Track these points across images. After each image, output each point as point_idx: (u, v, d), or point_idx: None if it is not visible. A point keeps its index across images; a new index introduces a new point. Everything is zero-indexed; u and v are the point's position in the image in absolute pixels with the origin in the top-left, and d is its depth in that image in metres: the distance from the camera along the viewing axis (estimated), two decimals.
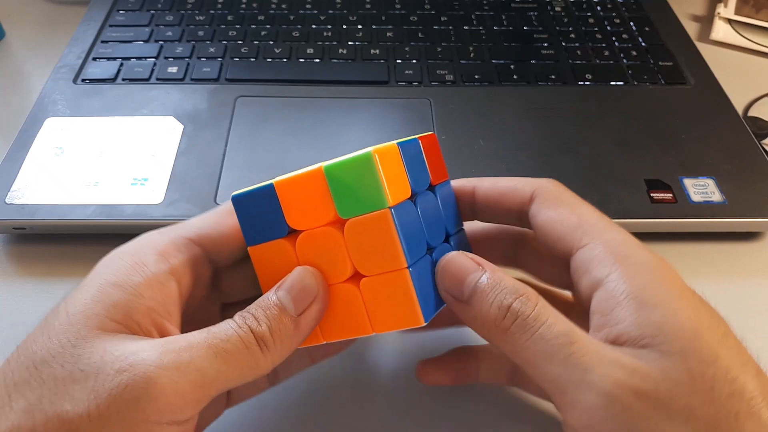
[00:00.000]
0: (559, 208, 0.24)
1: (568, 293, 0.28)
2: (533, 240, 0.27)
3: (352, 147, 0.40)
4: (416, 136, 0.25)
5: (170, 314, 0.23)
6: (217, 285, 0.26)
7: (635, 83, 0.47)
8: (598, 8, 0.55)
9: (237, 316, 0.22)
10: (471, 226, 0.28)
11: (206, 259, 0.25)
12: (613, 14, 0.54)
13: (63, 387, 0.19)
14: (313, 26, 0.52)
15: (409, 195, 0.23)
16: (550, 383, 0.21)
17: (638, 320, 0.21)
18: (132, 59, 0.47)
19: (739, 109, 0.47)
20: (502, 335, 0.22)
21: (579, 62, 0.49)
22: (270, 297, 0.23)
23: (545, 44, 0.50)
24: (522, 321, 0.21)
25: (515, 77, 0.47)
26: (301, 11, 0.53)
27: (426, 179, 0.25)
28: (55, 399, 0.19)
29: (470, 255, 0.23)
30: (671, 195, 0.38)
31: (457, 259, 0.23)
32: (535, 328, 0.21)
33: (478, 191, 0.27)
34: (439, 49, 0.49)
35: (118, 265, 0.22)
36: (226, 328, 0.21)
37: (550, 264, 0.27)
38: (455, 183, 0.27)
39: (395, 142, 0.23)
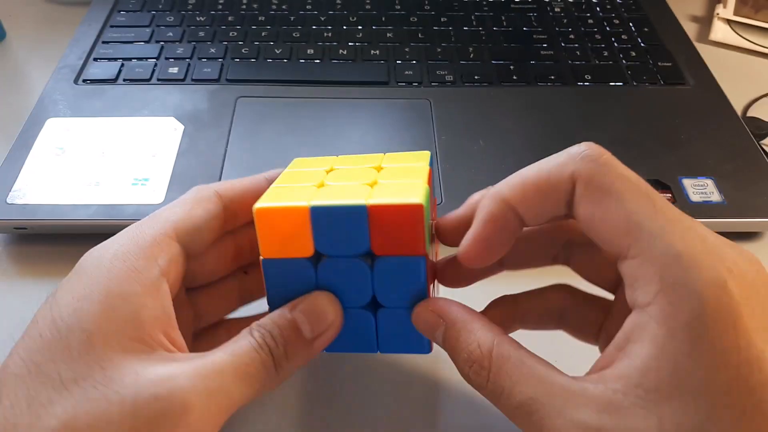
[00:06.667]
0: (603, 201, 0.20)
1: (610, 296, 0.26)
2: (583, 236, 0.23)
3: (352, 147, 0.41)
4: (376, 203, 0.22)
5: (170, 318, 0.23)
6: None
7: (634, 83, 0.47)
8: (598, 9, 0.55)
9: (256, 332, 0.23)
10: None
11: (184, 254, 0.25)
12: (613, 15, 0.54)
13: (98, 408, 0.19)
14: (314, 27, 0.52)
15: (307, 254, 0.23)
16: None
17: (644, 388, 0.18)
18: (133, 60, 0.48)
19: (738, 109, 0.47)
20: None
21: (578, 63, 0.49)
22: (285, 315, 0.23)
23: (545, 45, 0.50)
24: (479, 388, 0.22)
25: (515, 78, 0.47)
26: (301, 12, 0.53)
27: (358, 246, 0.23)
28: (93, 422, 0.19)
29: (432, 305, 0.24)
30: (670, 195, 0.38)
31: (420, 314, 0.24)
32: (495, 397, 0.21)
33: (508, 199, 0.23)
34: (439, 50, 0.49)
35: (112, 272, 0.22)
36: (248, 349, 0.22)
37: (602, 266, 0.25)
38: (479, 200, 0.24)
39: (311, 203, 0.23)
